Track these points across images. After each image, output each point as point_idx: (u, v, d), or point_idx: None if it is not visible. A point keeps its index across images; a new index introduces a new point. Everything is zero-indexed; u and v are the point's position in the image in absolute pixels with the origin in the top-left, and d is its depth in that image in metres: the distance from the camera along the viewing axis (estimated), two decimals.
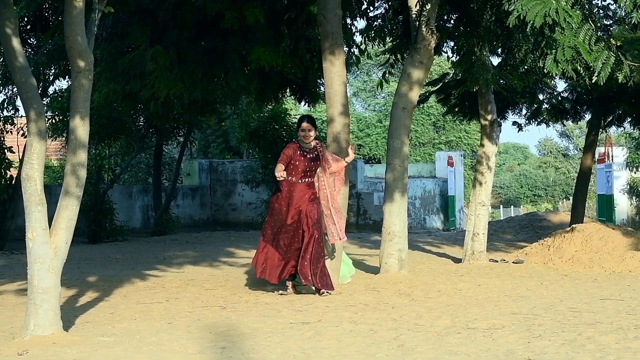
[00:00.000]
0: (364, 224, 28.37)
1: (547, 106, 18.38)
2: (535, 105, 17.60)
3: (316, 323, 8.33)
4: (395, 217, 12.00)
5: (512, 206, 56.86)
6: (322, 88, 16.11)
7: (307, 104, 16.98)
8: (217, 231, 25.54)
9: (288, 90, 16.94)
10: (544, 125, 20.02)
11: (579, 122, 23.03)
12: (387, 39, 14.60)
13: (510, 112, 17.08)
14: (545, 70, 10.58)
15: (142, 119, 23.75)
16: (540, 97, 17.88)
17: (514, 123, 18.25)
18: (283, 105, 25.62)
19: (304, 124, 10.72)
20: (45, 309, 7.40)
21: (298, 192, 10.51)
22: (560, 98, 19.04)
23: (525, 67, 14.46)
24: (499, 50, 14.89)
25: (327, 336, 7.58)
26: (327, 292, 10.35)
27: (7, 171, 19.91)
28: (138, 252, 17.67)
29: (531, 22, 9.27)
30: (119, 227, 22.83)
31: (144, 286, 11.57)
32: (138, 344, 7.18)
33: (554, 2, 9.32)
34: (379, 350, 6.85)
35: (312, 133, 10.71)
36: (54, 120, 21.10)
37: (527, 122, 18.61)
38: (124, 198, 26.36)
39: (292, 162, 10.53)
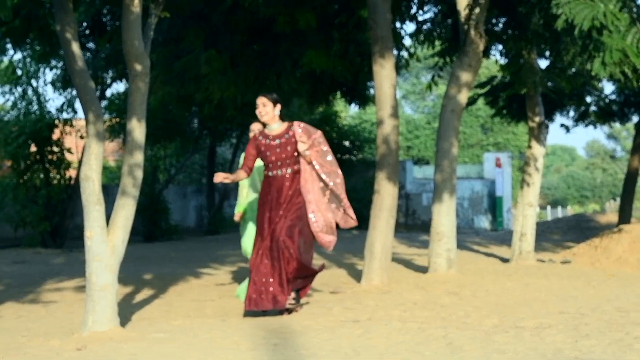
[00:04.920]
0: (413, 224, 28.36)
1: (595, 108, 18.31)
2: (583, 108, 17.54)
3: (366, 321, 8.32)
4: (444, 217, 11.98)
5: (559, 207, 56.24)
6: (371, 90, 16.20)
7: (357, 106, 17.09)
8: None
9: (338, 92, 17.04)
10: (591, 127, 19.90)
11: (627, 124, 22.85)
12: (436, 42, 14.55)
13: (558, 114, 17.02)
14: (593, 72, 10.54)
15: (196, 120, 23.97)
16: (588, 99, 17.82)
17: (562, 125, 18.19)
18: (334, 108, 25.73)
19: (257, 99, 8.89)
20: (103, 306, 7.43)
21: (277, 187, 8.79)
22: (607, 100, 18.93)
23: (573, 69, 14.35)
24: (547, 53, 14.78)
25: (376, 334, 7.55)
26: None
27: (67, 172, 20.25)
28: (192, 251, 17.80)
29: (579, 25, 9.25)
30: (174, 226, 23.10)
31: (197, 284, 11.66)
32: (192, 341, 7.21)
33: (602, 5, 9.29)
34: (427, 349, 6.81)
35: (269, 109, 8.77)
36: (111, 122, 21.42)
37: (574, 124, 18.55)
38: (179, 198, 26.64)
39: (262, 154, 8.85)
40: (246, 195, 9.81)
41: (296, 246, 8.63)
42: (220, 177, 8.72)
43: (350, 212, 9.14)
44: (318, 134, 8.86)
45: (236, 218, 9.84)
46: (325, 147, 8.91)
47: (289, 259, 8.59)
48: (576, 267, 13.68)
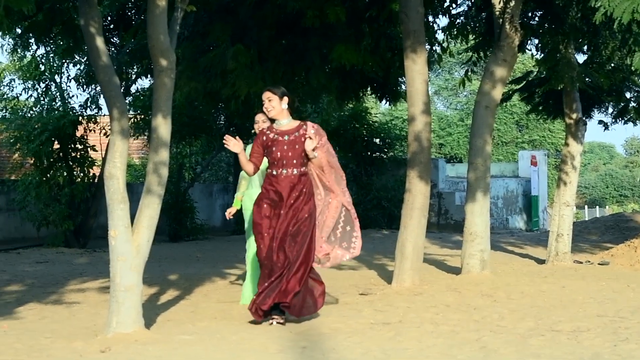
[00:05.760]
0: (445, 223, 28.24)
1: (635, 105, 18.06)
2: (622, 104, 17.30)
3: (397, 324, 8.28)
4: (478, 217, 11.90)
5: (597, 206, 56.09)
6: (403, 86, 16.07)
7: (388, 102, 16.97)
8: None
9: (369, 88, 16.94)
10: (630, 124, 19.69)
11: None
12: (470, 36, 14.54)
13: (595, 110, 16.83)
14: (632, 67, 10.40)
15: (222, 117, 23.97)
16: (627, 95, 17.57)
17: (600, 122, 17.95)
18: (364, 104, 25.66)
19: (263, 94, 8.47)
20: (127, 307, 7.44)
21: (280, 188, 8.28)
22: None
23: (612, 64, 14.31)
24: (585, 47, 14.72)
25: (408, 337, 7.53)
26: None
27: (90, 169, 20.28)
28: (218, 251, 17.84)
29: (618, 18, 9.11)
30: (200, 226, 23.10)
31: (224, 285, 11.69)
32: (218, 343, 7.21)
33: None
34: (460, 352, 6.79)
35: (275, 103, 8.32)
36: (136, 119, 21.42)
37: (613, 121, 18.30)
38: (205, 197, 26.63)
39: (268, 150, 8.37)
40: (245, 190, 9.72)
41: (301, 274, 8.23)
42: (231, 141, 8.28)
43: (359, 241, 8.89)
44: (325, 140, 8.47)
45: (229, 214, 9.73)
46: (333, 153, 8.64)
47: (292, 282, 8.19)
48: (614, 268, 13.58)
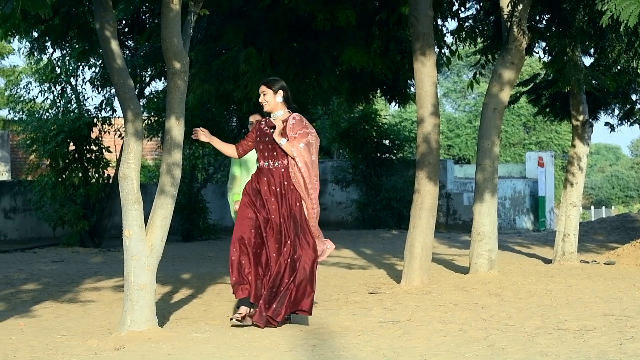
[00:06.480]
0: (454, 224, 28.23)
1: None
2: (628, 106, 17.30)
3: (406, 322, 8.31)
4: (485, 217, 11.91)
5: (603, 207, 55.81)
6: (412, 89, 16.13)
7: (397, 104, 17.03)
8: None
9: (379, 90, 17.01)
10: (636, 125, 19.66)
11: None
12: (478, 39, 14.52)
13: (602, 112, 16.83)
14: (638, 70, 10.43)
15: (235, 119, 23.96)
16: (634, 97, 17.59)
17: (606, 124, 17.95)
18: (373, 106, 25.67)
19: (260, 88, 8.35)
20: (141, 305, 7.45)
21: (263, 181, 8.13)
22: None
23: (619, 67, 14.25)
24: (592, 50, 14.70)
25: (416, 335, 7.55)
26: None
27: (105, 170, 20.35)
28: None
29: (625, 21, 9.10)
30: (212, 226, 23.12)
31: None
32: (230, 341, 7.21)
33: None
34: (468, 350, 6.81)
35: (268, 97, 8.17)
36: (150, 121, 21.49)
37: (619, 122, 18.31)
38: (217, 197, 26.65)
39: (257, 141, 8.27)
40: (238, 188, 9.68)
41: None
42: (199, 132, 8.24)
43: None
44: (310, 134, 8.12)
45: (236, 207, 9.27)
46: (309, 147, 8.10)
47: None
48: (620, 268, 13.54)
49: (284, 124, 8.04)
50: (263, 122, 8.24)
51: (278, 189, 8.02)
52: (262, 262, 7.99)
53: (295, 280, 7.88)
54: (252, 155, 8.67)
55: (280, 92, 8.13)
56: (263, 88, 8.19)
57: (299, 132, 8.03)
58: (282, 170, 8.03)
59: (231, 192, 10.11)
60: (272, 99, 8.12)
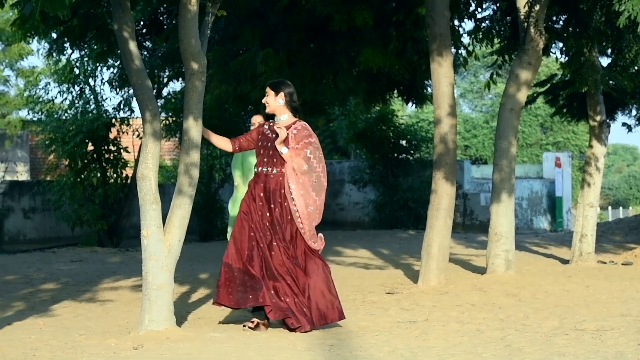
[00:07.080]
0: (471, 224, 28.18)
1: None
2: None
3: (423, 322, 8.33)
4: (502, 217, 11.89)
5: (620, 207, 55.57)
6: (429, 89, 16.12)
7: (414, 105, 17.03)
8: (325, 230, 25.63)
9: (395, 91, 17.00)
10: None
11: None
12: (495, 40, 14.50)
13: (619, 112, 16.81)
14: None
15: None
16: None
17: (624, 124, 17.93)
18: (390, 107, 25.65)
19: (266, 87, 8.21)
20: (159, 305, 7.49)
21: (261, 187, 8.00)
22: None
23: (636, 67, 14.22)
24: (609, 50, 14.65)
25: (434, 335, 7.57)
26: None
27: (123, 171, 20.42)
28: None
29: None
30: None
31: None
32: (248, 340, 7.23)
33: None
34: (485, 350, 6.81)
35: (270, 98, 8.03)
36: (167, 121, 21.54)
37: (636, 123, 18.28)
38: None
39: (259, 145, 8.11)
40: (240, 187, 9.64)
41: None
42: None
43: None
44: (311, 144, 7.95)
45: None
46: (313, 156, 7.95)
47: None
48: (638, 268, 13.48)
49: (287, 131, 7.92)
50: (267, 127, 8.11)
51: (273, 195, 7.90)
52: (256, 266, 7.84)
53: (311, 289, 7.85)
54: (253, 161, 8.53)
55: (282, 95, 8.00)
56: (267, 89, 8.13)
57: (301, 143, 7.91)
58: (280, 178, 7.91)
59: (232, 210, 9.79)
60: (272, 101, 8.03)
